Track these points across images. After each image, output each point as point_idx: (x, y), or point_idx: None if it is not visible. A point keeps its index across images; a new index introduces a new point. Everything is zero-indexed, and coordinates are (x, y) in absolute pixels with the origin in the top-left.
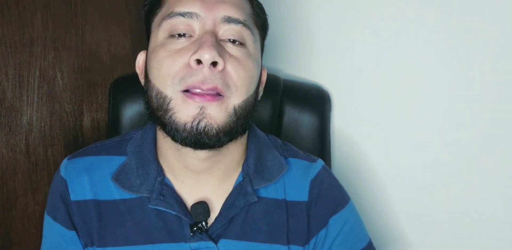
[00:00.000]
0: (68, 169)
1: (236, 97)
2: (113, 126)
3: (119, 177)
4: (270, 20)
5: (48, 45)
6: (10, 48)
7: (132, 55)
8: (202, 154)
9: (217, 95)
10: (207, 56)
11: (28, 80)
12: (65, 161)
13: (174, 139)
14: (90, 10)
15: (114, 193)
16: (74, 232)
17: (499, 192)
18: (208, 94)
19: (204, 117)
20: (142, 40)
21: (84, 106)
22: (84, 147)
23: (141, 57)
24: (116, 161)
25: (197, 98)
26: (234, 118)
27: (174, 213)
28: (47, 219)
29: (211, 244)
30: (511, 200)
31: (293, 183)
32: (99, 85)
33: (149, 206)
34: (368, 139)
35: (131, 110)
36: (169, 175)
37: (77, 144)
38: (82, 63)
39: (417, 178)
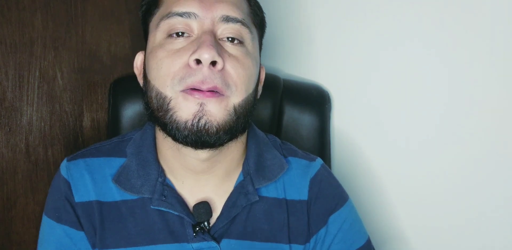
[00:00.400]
0: (70, 170)
1: (236, 96)
2: (113, 126)
3: (120, 179)
4: (270, 20)
5: (48, 45)
6: (10, 48)
7: (132, 55)
8: (203, 154)
9: (217, 93)
10: (207, 55)
11: (28, 80)
12: (64, 162)
13: (175, 138)
14: (90, 10)
15: (115, 194)
16: (83, 233)
17: (498, 191)
18: (208, 91)
19: (204, 114)
20: (142, 40)
21: (84, 106)
22: (83, 149)
23: (139, 58)
24: (116, 163)
25: (197, 95)
26: (234, 117)
27: (176, 213)
28: (48, 222)
29: (213, 244)
30: (510, 200)
31: (293, 182)
32: (99, 85)
33: (151, 207)
34: (367, 138)
35: (131, 110)
36: (170, 176)
37: (77, 144)
38: (82, 63)
39: (416, 178)
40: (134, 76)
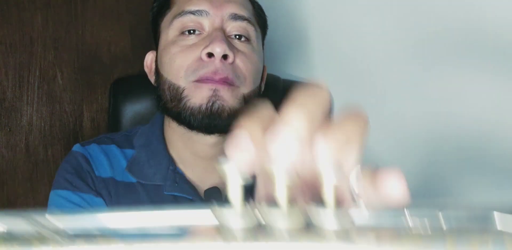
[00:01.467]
0: (87, 149)
1: (245, 87)
2: (113, 126)
3: (132, 169)
4: (271, 21)
5: (48, 45)
6: (10, 48)
7: (132, 55)
8: (211, 139)
9: (229, 83)
10: (219, 49)
11: (28, 80)
12: (77, 145)
13: (190, 124)
14: (90, 10)
15: (131, 178)
16: (101, 199)
17: (498, 191)
18: (220, 80)
19: (218, 99)
20: (142, 40)
21: (84, 106)
22: (93, 138)
23: (149, 57)
24: (127, 153)
25: (210, 83)
26: (243, 107)
27: (190, 197)
28: (62, 193)
29: None
30: (509, 199)
31: None
32: (99, 85)
33: (165, 192)
34: (367, 138)
35: (131, 111)
36: (180, 165)
37: None
38: (82, 63)
39: (415, 178)
40: (134, 76)
